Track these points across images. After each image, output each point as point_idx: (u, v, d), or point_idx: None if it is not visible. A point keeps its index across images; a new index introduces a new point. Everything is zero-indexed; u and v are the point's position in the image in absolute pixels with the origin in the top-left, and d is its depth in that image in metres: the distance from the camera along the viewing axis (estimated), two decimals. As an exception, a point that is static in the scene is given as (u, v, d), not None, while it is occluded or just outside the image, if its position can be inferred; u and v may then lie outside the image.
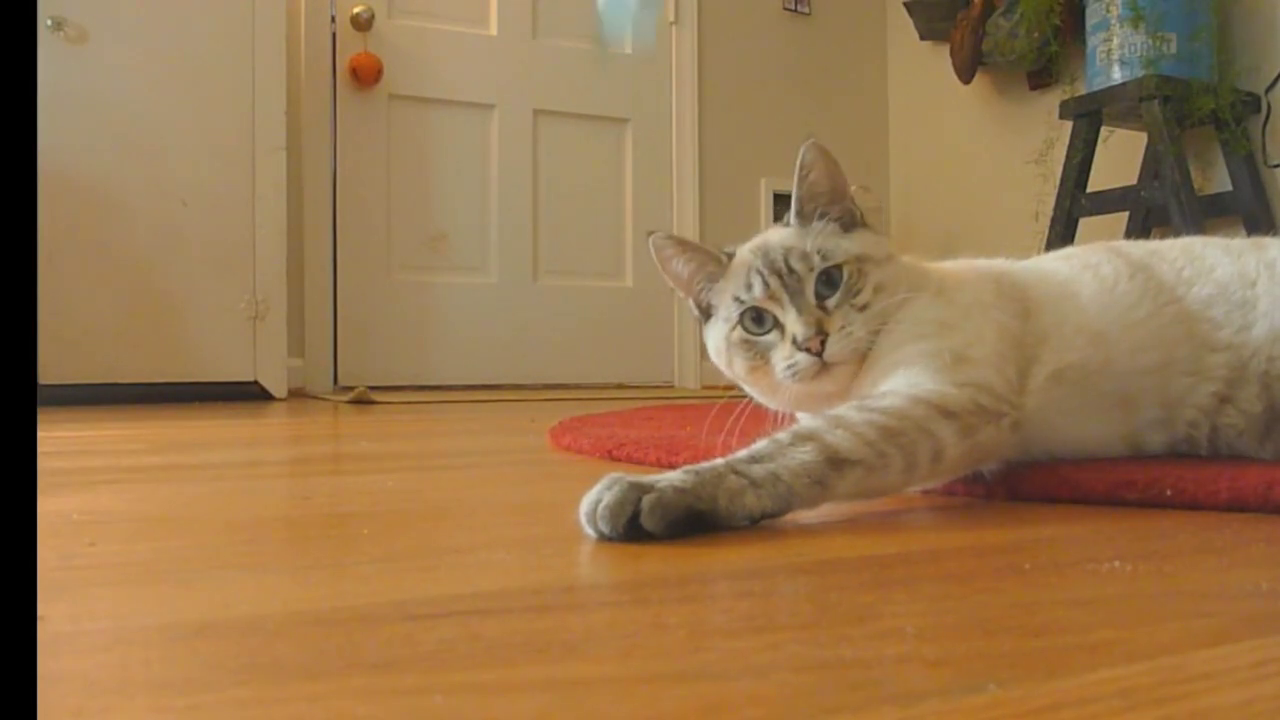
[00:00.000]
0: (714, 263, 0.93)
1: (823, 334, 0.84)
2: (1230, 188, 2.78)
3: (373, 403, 2.60)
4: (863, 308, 0.85)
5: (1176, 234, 2.57)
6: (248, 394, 2.74)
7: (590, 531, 0.64)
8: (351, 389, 2.76)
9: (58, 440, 1.50)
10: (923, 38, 3.77)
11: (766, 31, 3.85)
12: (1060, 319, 0.90)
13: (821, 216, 0.91)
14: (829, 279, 0.87)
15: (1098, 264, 0.96)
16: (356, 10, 3.21)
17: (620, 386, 3.53)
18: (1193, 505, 0.75)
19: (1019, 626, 0.46)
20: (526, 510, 0.84)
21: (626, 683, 0.38)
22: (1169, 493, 0.76)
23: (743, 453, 0.71)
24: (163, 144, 2.64)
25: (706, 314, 0.95)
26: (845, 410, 0.75)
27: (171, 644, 0.43)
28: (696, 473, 0.67)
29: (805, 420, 0.77)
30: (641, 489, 0.64)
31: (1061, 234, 2.90)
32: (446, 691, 0.37)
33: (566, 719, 0.34)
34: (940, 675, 0.38)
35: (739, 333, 0.89)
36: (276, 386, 2.76)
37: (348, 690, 0.37)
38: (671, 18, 3.69)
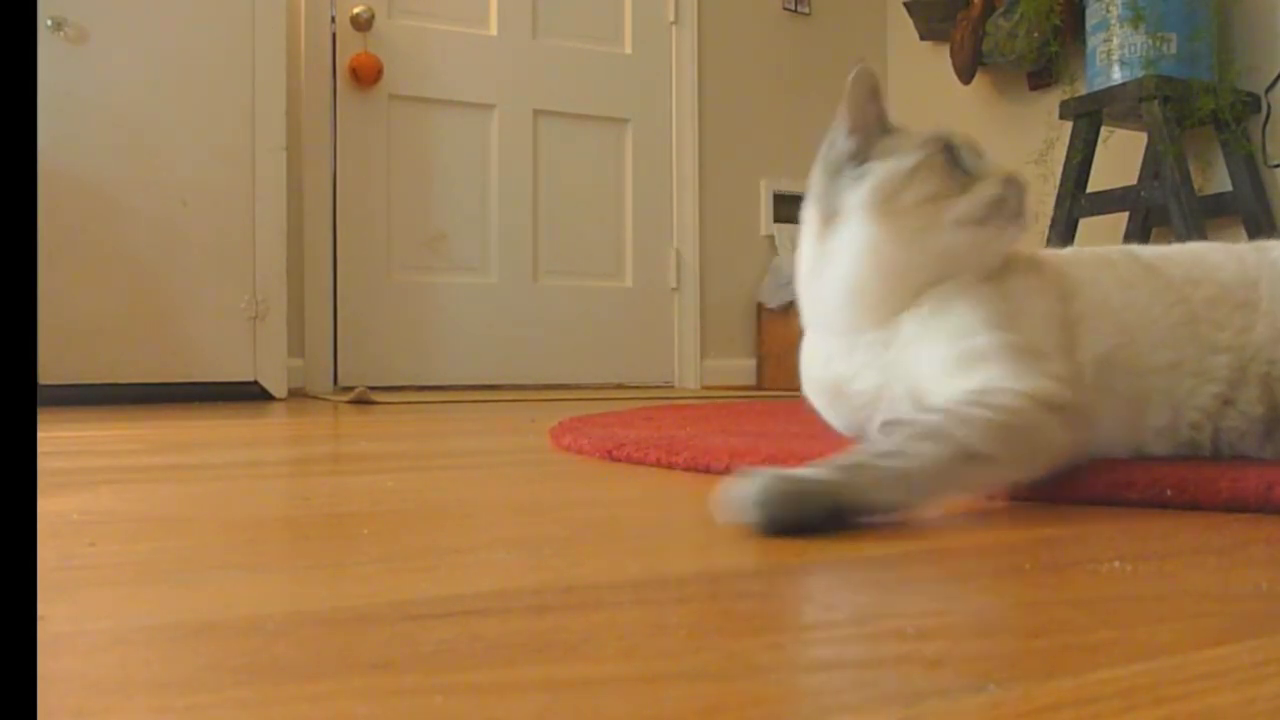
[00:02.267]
0: (888, 119, 0.95)
1: (1018, 185, 0.90)
2: (1230, 188, 2.78)
3: (373, 403, 2.60)
4: None
5: (1176, 234, 2.59)
6: (248, 394, 2.74)
7: (747, 521, 0.65)
8: (351, 389, 2.76)
9: (58, 440, 1.50)
10: (923, 38, 3.77)
11: (766, 31, 3.85)
12: (1095, 304, 0.91)
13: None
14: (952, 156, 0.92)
15: (1114, 262, 0.97)
16: (356, 10, 3.21)
17: (620, 386, 3.53)
18: (1193, 505, 0.75)
19: (1019, 626, 0.46)
20: (526, 510, 0.84)
21: (626, 683, 0.38)
22: (1169, 493, 0.76)
23: (869, 450, 0.71)
24: (163, 144, 2.64)
25: (861, 158, 0.94)
26: (961, 408, 0.74)
27: (171, 644, 0.43)
28: (838, 468, 0.68)
29: (921, 417, 0.76)
30: (790, 482, 0.65)
31: (1061, 234, 2.90)
32: (446, 691, 0.37)
33: (566, 719, 0.34)
34: (940, 675, 0.38)
35: (941, 159, 0.91)
36: (276, 386, 2.76)
37: (348, 690, 0.37)
38: (671, 18, 3.69)
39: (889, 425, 0.76)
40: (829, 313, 0.97)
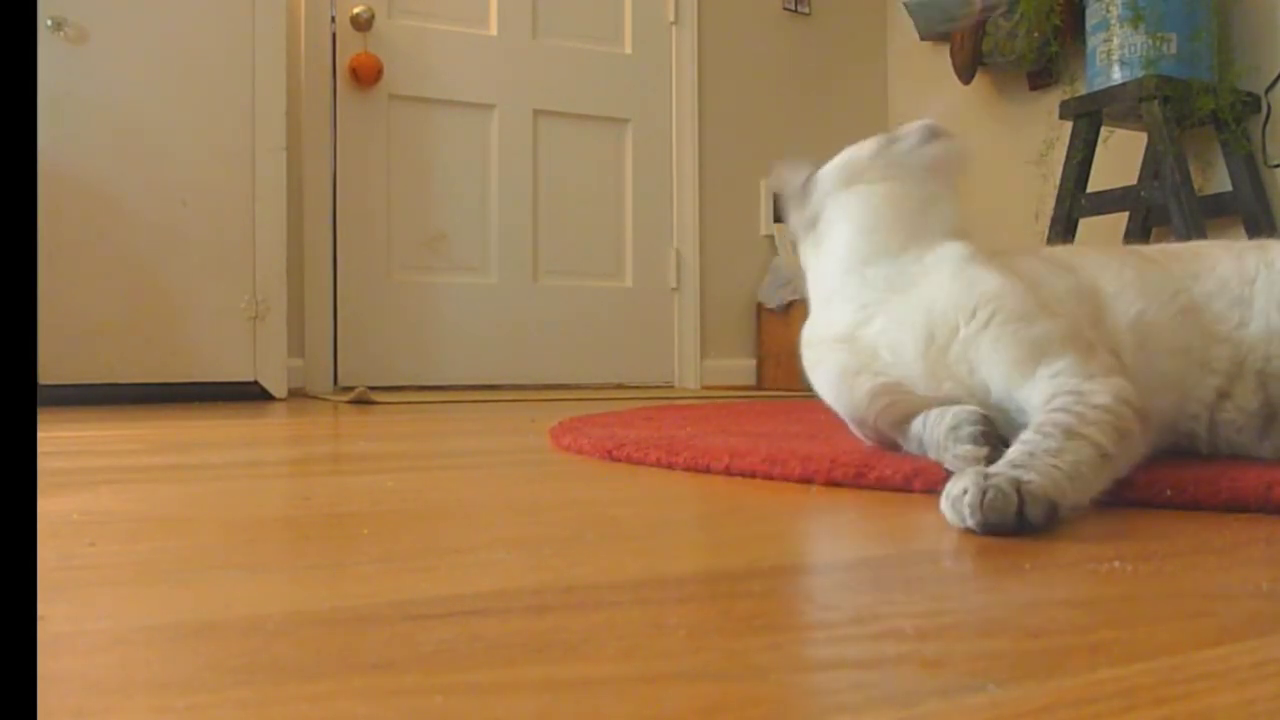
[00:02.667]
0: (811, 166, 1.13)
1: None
2: (1230, 188, 2.78)
3: (373, 403, 2.60)
4: None
5: (1176, 234, 2.58)
6: (248, 394, 2.74)
7: (970, 524, 0.66)
8: (351, 389, 2.76)
9: (58, 440, 1.50)
10: (923, 38, 3.77)
11: (766, 31, 3.85)
12: (1107, 278, 0.94)
13: None
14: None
15: (1112, 253, 1.00)
16: (356, 10, 3.21)
17: (620, 386, 3.53)
18: (1193, 505, 0.75)
19: (1019, 626, 0.46)
20: (526, 510, 0.84)
21: (626, 683, 0.38)
22: (1169, 493, 0.76)
23: (1029, 446, 0.73)
24: (163, 144, 2.64)
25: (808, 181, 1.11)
26: (1077, 408, 0.76)
27: (171, 644, 0.43)
28: (1029, 468, 0.69)
29: (1057, 417, 0.77)
30: (1018, 484, 0.66)
31: (1061, 234, 2.90)
32: (446, 691, 0.37)
33: (566, 719, 0.34)
34: (940, 675, 0.38)
35: (869, 140, 1.08)
36: (276, 386, 2.76)
37: (348, 690, 0.37)
38: (671, 18, 3.69)
39: (1038, 428, 0.76)
40: (840, 273, 1.01)
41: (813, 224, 1.08)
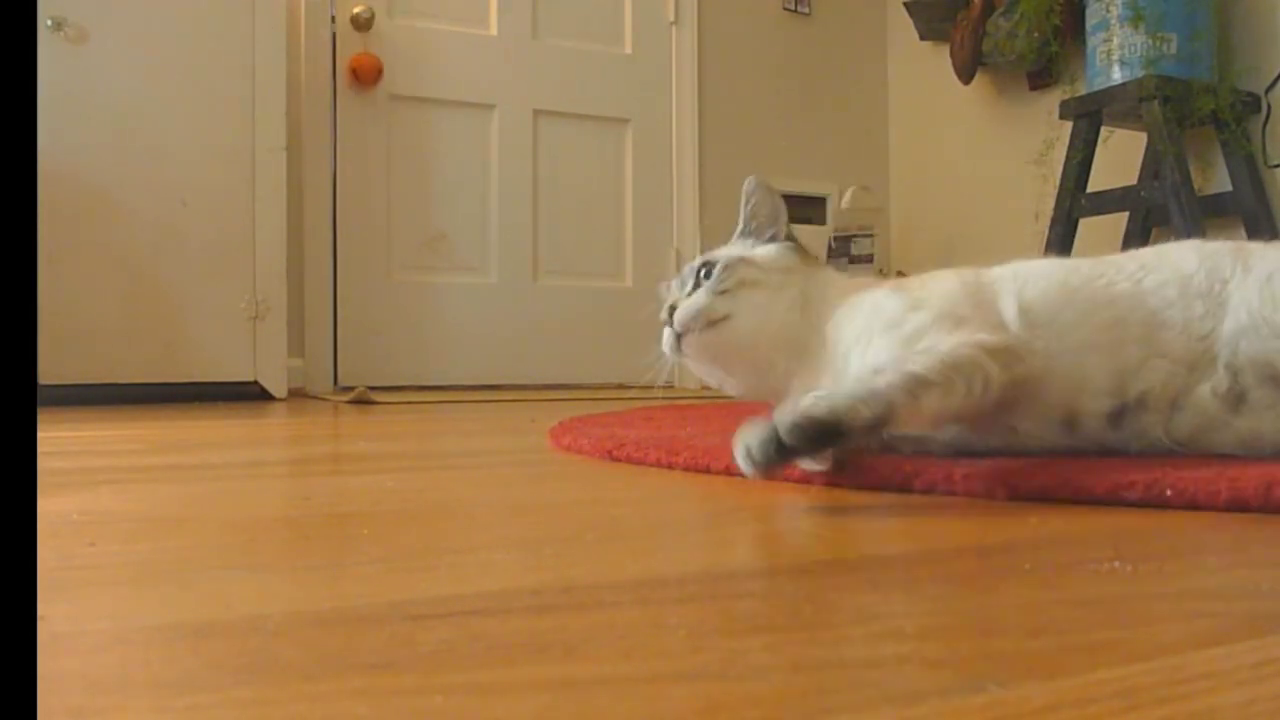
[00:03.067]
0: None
1: (673, 309, 1.05)
2: (1230, 188, 2.78)
3: (373, 403, 2.60)
4: (721, 292, 1.04)
5: (1176, 234, 2.58)
6: (248, 394, 2.74)
7: (746, 466, 0.77)
8: (352, 389, 2.76)
9: (58, 440, 1.50)
10: (923, 38, 3.77)
11: (766, 31, 3.85)
12: (1011, 270, 1.01)
13: (761, 234, 1.13)
14: (707, 273, 1.06)
15: (1048, 260, 1.06)
16: (356, 10, 3.21)
17: (620, 386, 3.53)
18: (1193, 505, 0.75)
19: (1019, 626, 0.46)
20: (526, 510, 0.84)
21: (626, 683, 0.38)
22: (1169, 493, 0.76)
23: (834, 388, 0.84)
24: (163, 144, 2.64)
25: None
26: (906, 353, 0.87)
27: (171, 644, 0.43)
28: (814, 401, 0.79)
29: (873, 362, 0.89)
30: (777, 420, 0.77)
31: (1061, 234, 2.90)
32: (446, 691, 0.37)
33: (566, 719, 0.34)
34: (940, 675, 0.38)
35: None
36: (276, 386, 2.76)
37: (348, 690, 0.37)
38: (671, 18, 3.69)
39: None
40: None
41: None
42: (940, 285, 1.01)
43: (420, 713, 0.34)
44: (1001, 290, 0.98)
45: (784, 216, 1.14)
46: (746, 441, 0.77)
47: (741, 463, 0.78)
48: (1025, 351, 0.91)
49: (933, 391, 0.82)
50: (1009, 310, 0.96)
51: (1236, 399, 0.92)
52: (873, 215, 3.80)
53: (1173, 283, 0.96)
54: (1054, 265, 1.02)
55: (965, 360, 0.85)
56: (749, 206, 1.14)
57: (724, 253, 1.10)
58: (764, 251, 1.10)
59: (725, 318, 1.03)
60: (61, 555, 0.63)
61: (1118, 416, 0.93)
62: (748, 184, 1.13)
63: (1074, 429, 0.94)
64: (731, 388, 1.10)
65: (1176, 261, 0.98)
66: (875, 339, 0.95)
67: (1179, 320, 0.94)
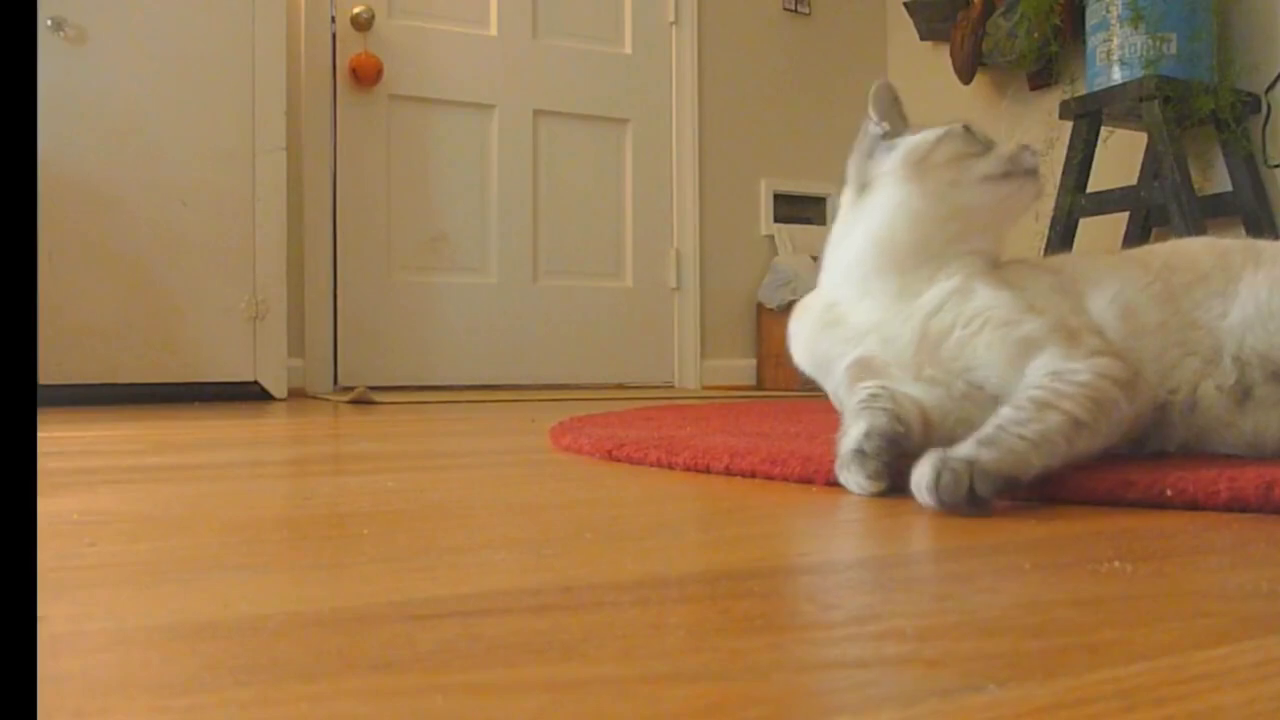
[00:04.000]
0: (903, 121, 1.07)
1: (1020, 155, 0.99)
2: (1230, 188, 2.78)
3: (373, 403, 2.60)
4: None
5: (1176, 234, 2.58)
6: (248, 394, 2.74)
7: (931, 502, 0.74)
8: (352, 389, 2.76)
9: (58, 440, 1.50)
10: (923, 38, 3.77)
11: (766, 31, 3.85)
12: (1081, 269, 1.01)
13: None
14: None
15: (1095, 255, 1.07)
16: (356, 10, 3.21)
17: (620, 386, 3.53)
18: (1193, 505, 0.75)
19: (1019, 626, 0.46)
20: (526, 510, 0.84)
21: (626, 683, 0.38)
22: (1169, 493, 0.76)
23: (1001, 420, 0.80)
24: (163, 144, 2.64)
25: (890, 138, 1.05)
26: (1054, 384, 0.83)
27: (171, 644, 0.43)
28: (992, 443, 0.77)
29: (1033, 393, 0.83)
30: (971, 464, 0.75)
31: (1061, 234, 2.90)
32: (446, 691, 0.37)
33: (566, 719, 0.34)
34: (940, 675, 0.38)
35: (962, 130, 1.01)
36: (276, 386, 2.76)
37: (348, 691, 0.37)
38: (671, 18, 3.69)
39: (1013, 407, 0.82)
40: (855, 262, 1.01)
41: (862, 189, 1.04)
42: (1039, 283, 0.98)
43: (420, 713, 0.34)
44: (1086, 290, 0.98)
45: None
46: (941, 479, 0.74)
47: (926, 495, 0.75)
48: (1140, 381, 0.89)
49: (1084, 434, 0.80)
50: (1103, 315, 0.95)
51: (1242, 394, 0.93)
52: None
53: (1195, 285, 0.97)
54: (1114, 267, 1.01)
55: (1106, 400, 0.83)
56: (893, 106, 1.08)
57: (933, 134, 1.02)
58: None
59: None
60: (61, 555, 0.63)
61: (1159, 416, 0.95)
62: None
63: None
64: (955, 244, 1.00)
65: (1194, 260, 1.00)
66: (985, 332, 0.92)
67: (1204, 321, 0.96)
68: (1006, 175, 0.99)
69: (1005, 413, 0.81)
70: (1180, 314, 0.96)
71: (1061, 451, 0.78)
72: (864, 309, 0.98)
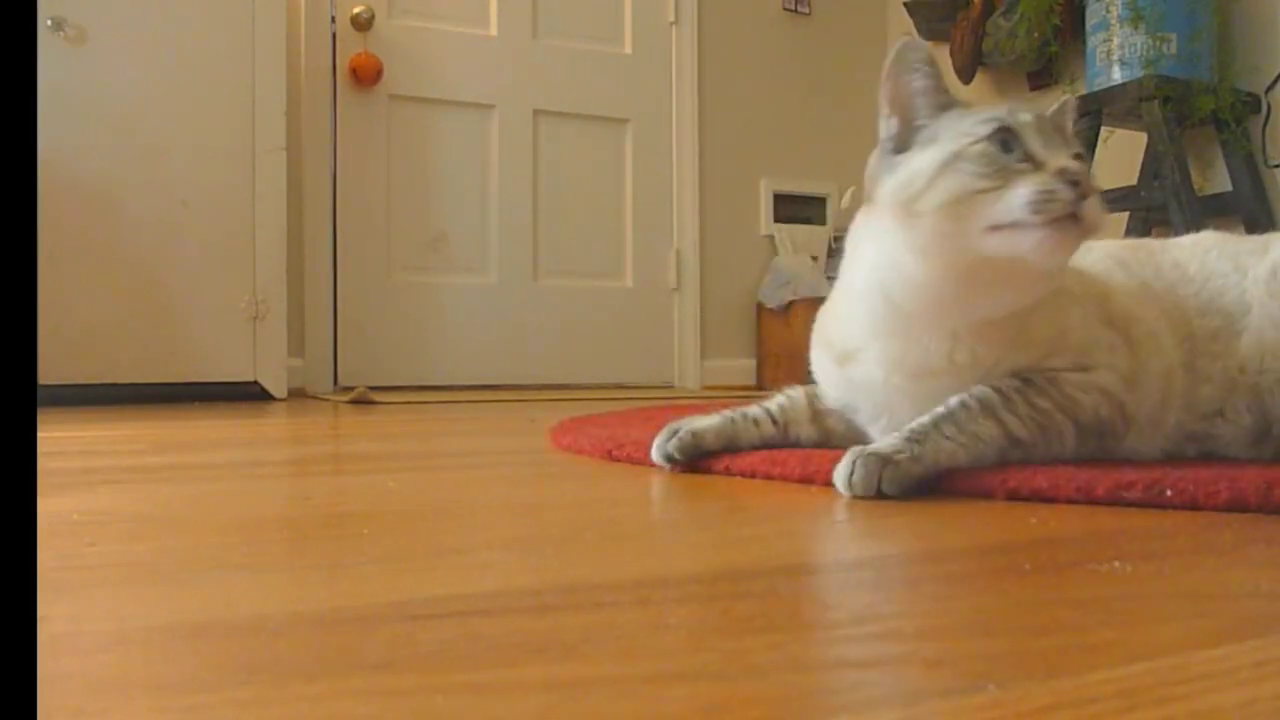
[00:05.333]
0: (946, 94, 0.86)
1: (1087, 186, 0.77)
2: (1230, 188, 2.78)
3: (373, 403, 2.60)
4: None
5: (1176, 234, 2.58)
6: (248, 394, 2.74)
7: (846, 493, 0.81)
8: (352, 389, 2.76)
9: (58, 440, 1.50)
10: (923, 37, 3.77)
11: (766, 31, 3.85)
12: (1125, 302, 0.99)
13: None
14: (1079, 157, 0.81)
15: (1127, 264, 1.04)
16: (356, 10, 3.21)
17: (620, 386, 3.53)
18: (1193, 505, 0.75)
19: (1019, 626, 0.46)
20: (526, 510, 0.84)
21: (626, 683, 0.38)
22: (1169, 493, 0.76)
23: (938, 416, 0.84)
24: (163, 144, 2.64)
25: (901, 145, 0.87)
26: (1012, 393, 0.86)
27: (171, 644, 0.43)
28: (916, 441, 0.81)
29: (977, 391, 0.86)
30: (883, 461, 0.80)
31: (1061, 234, 2.89)
32: (446, 691, 0.37)
33: (566, 719, 0.34)
34: (940, 675, 0.38)
35: (983, 147, 0.79)
36: (276, 386, 2.76)
37: (348, 691, 0.37)
38: (671, 18, 3.69)
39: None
40: (859, 299, 0.92)
41: (870, 202, 0.90)
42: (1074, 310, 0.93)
43: (420, 713, 0.34)
44: (1122, 312, 0.97)
45: None
46: (854, 475, 0.80)
47: (844, 490, 0.81)
48: (1131, 414, 0.92)
49: (1019, 450, 0.87)
50: (1137, 330, 0.96)
51: (1259, 435, 0.96)
52: (873, 215, 3.80)
53: (1222, 332, 0.99)
54: (1146, 298, 1.00)
55: (1053, 425, 0.88)
56: (915, 80, 0.87)
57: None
58: None
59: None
60: (61, 555, 0.63)
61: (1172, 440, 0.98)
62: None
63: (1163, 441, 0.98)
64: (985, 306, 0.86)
65: (1219, 295, 1.00)
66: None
67: (1216, 350, 0.98)
68: (1020, 225, 0.77)
69: (951, 404, 0.85)
70: (1193, 341, 0.98)
71: (991, 459, 0.84)
72: (870, 358, 0.92)
